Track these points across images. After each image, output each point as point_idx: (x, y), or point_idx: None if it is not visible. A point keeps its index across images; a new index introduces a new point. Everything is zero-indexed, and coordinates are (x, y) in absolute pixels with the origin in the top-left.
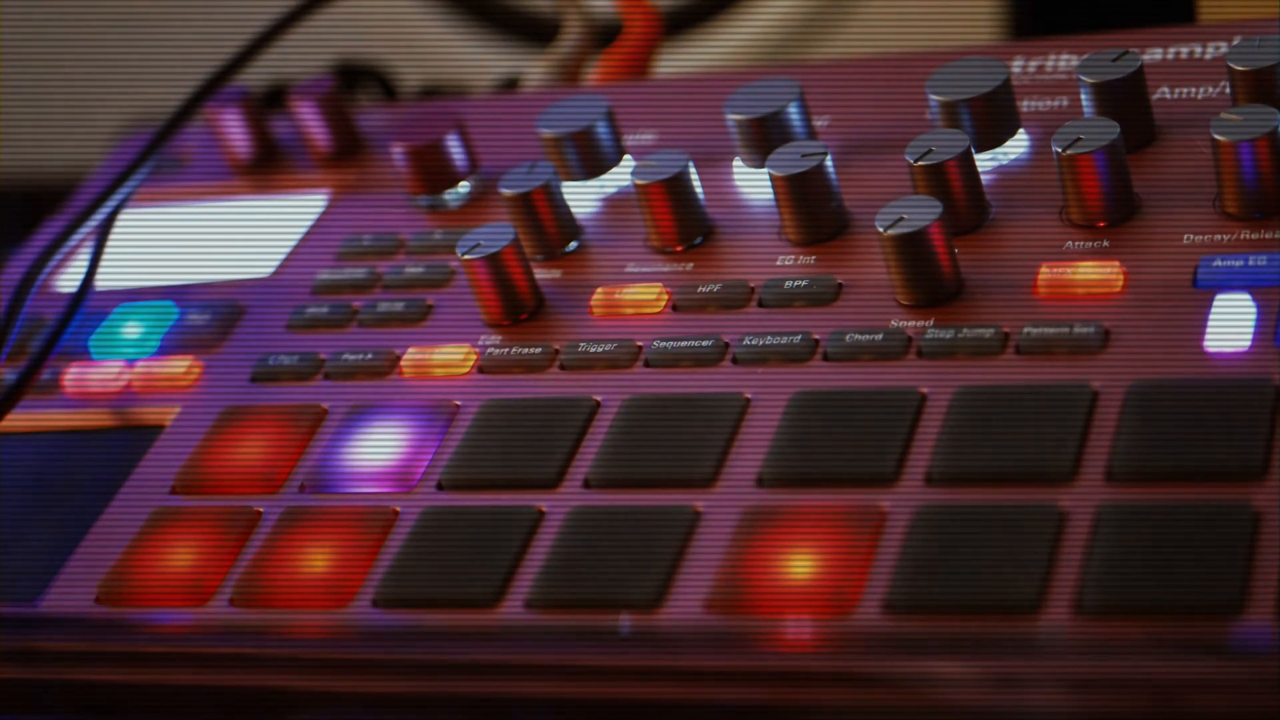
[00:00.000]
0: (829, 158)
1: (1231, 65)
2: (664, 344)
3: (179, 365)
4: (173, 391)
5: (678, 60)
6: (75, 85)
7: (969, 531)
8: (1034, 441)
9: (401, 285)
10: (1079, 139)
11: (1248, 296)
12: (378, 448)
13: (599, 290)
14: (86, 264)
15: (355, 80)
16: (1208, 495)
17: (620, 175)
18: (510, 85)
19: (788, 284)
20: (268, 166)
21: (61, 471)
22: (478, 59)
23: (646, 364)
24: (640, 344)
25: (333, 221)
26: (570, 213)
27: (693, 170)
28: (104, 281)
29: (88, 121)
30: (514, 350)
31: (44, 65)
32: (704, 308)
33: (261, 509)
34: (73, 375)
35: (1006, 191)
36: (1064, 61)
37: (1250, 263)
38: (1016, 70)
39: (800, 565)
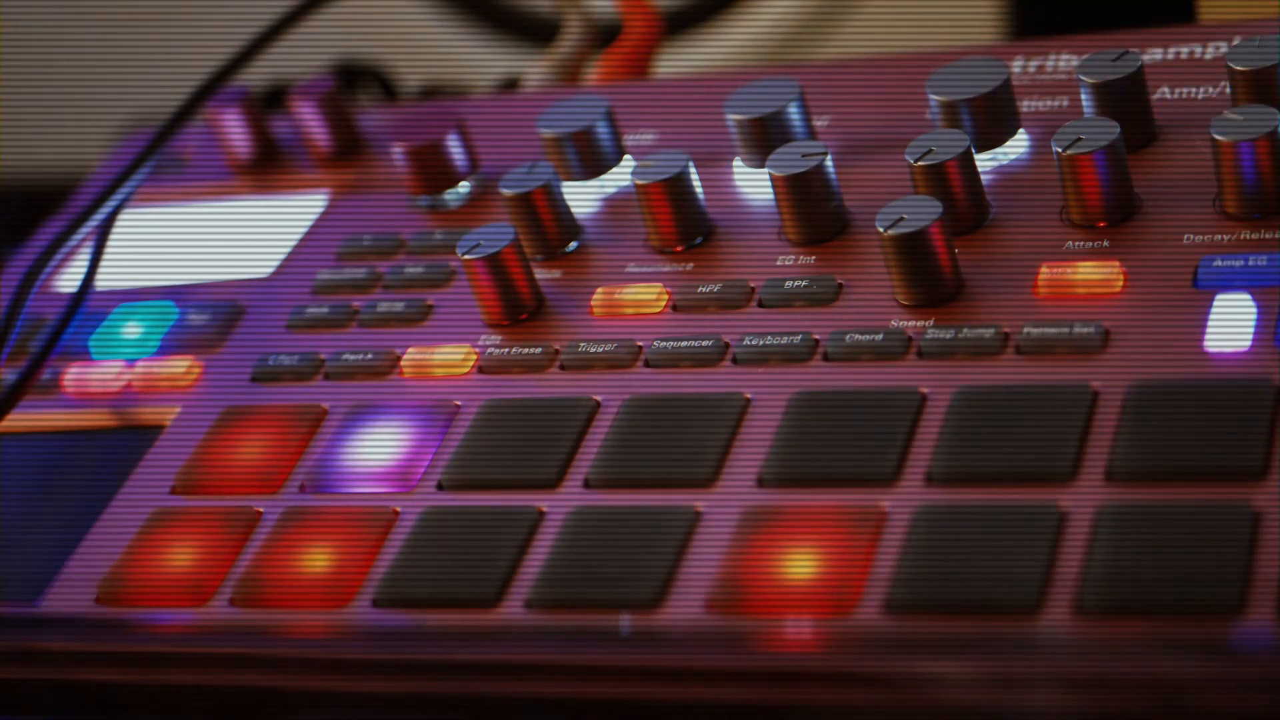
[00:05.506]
0: (829, 158)
1: (1231, 65)
2: (664, 344)
3: (179, 365)
4: (173, 391)
5: (678, 60)
6: (75, 85)
7: (969, 531)
8: (1034, 441)
9: (401, 285)
10: (1079, 139)
11: (1248, 296)
12: (378, 448)
13: (599, 290)
14: (86, 264)
15: (355, 80)
16: (1208, 495)
17: (620, 175)
18: (510, 85)
19: (788, 284)
20: (268, 166)
21: (61, 471)
22: (478, 59)
23: (647, 364)
24: (640, 344)
25: (333, 221)
26: (570, 213)
27: (693, 170)
28: (104, 281)
29: (88, 121)
30: (514, 350)
31: (44, 65)
32: (704, 308)
33: (261, 509)
34: (73, 375)
35: (1006, 191)
36: (1064, 61)
37: (1250, 263)
38: (1016, 70)
39: (800, 565)
